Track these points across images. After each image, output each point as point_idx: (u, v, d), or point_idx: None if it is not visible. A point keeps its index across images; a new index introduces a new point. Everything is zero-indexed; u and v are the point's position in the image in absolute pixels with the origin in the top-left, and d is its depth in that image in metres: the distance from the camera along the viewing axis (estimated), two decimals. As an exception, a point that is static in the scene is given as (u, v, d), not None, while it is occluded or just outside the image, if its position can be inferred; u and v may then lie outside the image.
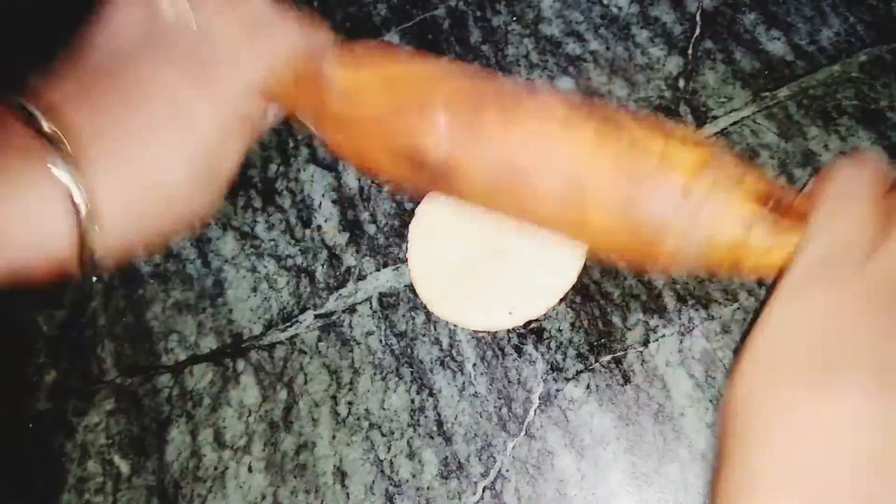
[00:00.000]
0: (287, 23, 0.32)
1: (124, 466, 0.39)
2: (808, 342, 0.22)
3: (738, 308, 0.37)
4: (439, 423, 0.37)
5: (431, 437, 0.37)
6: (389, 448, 0.37)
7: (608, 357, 0.37)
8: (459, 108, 0.28)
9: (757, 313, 0.24)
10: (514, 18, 0.46)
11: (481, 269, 0.40)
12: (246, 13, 0.31)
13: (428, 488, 0.36)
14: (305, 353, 0.39)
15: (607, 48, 0.44)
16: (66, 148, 0.27)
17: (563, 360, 0.37)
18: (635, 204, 0.27)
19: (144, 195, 0.29)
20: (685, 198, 0.25)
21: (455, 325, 0.39)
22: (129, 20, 0.30)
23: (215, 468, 0.38)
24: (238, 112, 0.30)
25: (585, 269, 0.39)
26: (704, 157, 0.26)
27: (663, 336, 0.37)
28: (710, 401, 0.35)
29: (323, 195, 0.43)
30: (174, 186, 0.29)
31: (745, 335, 0.23)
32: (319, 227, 0.43)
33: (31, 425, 0.41)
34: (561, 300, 0.38)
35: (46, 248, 0.28)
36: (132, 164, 0.28)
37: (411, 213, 0.42)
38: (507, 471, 0.36)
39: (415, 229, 0.41)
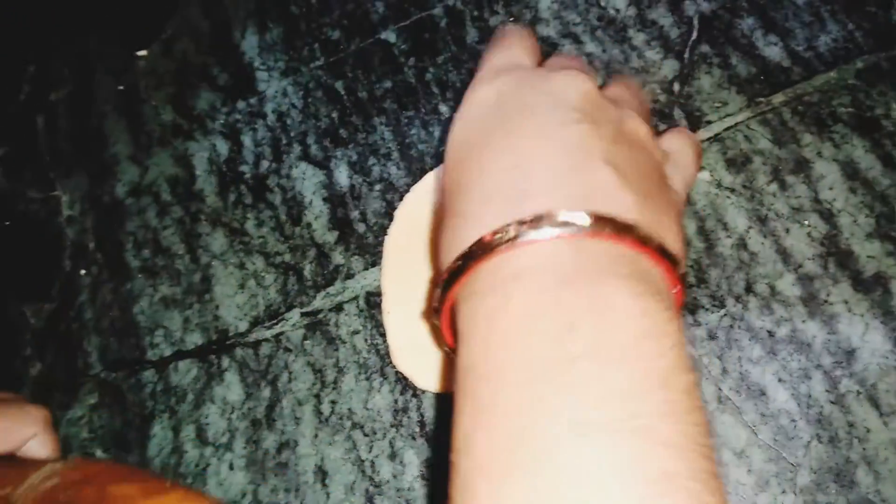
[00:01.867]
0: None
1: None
2: (493, 107, 0.27)
3: (726, 314, 0.37)
4: (422, 425, 0.37)
5: (413, 439, 0.36)
6: (371, 448, 0.37)
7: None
8: None
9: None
10: (512, 19, 0.46)
11: None
12: None
13: (409, 489, 0.35)
14: (291, 350, 0.39)
15: (603, 50, 0.44)
16: None
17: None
18: None
19: None
20: None
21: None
22: None
23: (196, 465, 0.38)
24: None
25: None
26: None
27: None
28: (696, 407, 0.35)
29: (314, 193, 0.43)
30: None
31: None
32: (309, 225, 0.43)
33: (15, 418, 0.41)
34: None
35: None
36: None
37: (401, 213, 0.42)
38: (490, 474, 0.35)
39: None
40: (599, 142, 0.25)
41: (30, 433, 0.34)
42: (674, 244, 0.25)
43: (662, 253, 0.24)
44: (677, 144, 0.33)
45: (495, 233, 0.23)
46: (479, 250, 0.23)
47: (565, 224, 0.23)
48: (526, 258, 0.23)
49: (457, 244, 0.24)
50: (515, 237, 0.23)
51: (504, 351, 0.22)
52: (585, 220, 0.23)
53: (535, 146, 0.25)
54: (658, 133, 0.32)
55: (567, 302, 0.22)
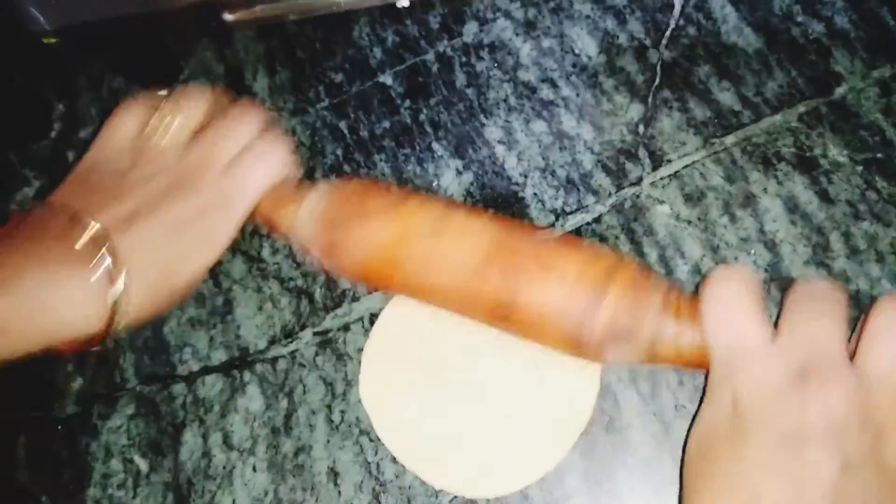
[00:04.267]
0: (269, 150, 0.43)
1: (143, 465, 0.44)
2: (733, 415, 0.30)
3: (682, 333, 0.42)
4: (420, 431, 0.42)
5: (413, 443, 0.42)
6: (377, 452, 0.42)
7: (569, 374, 0.42)
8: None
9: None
10: (496, 65, 0.51)
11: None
12: (233, 147, 0.42)
13: (409, 487, 0.41)
14: (304, 366, 0.45)
15: (577, 94, 0.49)
16: (106, 242, 0.35)
17: (530, 376, 0.42)
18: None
19: (168, 282, 0.37)
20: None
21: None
22: (123, 138, 0.38)
23: (224, 467, 0.43)
24: (236, 231, 0.41)
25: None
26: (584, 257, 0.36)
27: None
28: (654, 414, 0.40)
29: (321, 224, 0.48)
30: (191, 278, 0.38)
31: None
32: (318, 253, 0.48)
33: (59, 427, 0.46)
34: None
35: (81, 326, 0.35)
36: (164, 256, 0.36)
37: (399, 242, 0.47)
38: (479, 472, 0.41)
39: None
40: (829, 475, 0.26)
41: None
42: None
43: None
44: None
45: None
46: None
47: None
48: None
49: None
50: None
51: None
52: None
53: (768, 481, 0.27)
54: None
55: None
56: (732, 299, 0.33)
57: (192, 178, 0.40)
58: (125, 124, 0.42)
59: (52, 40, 0.53)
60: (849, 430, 0.27)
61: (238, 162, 0.41)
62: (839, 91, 0.46)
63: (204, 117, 0.43)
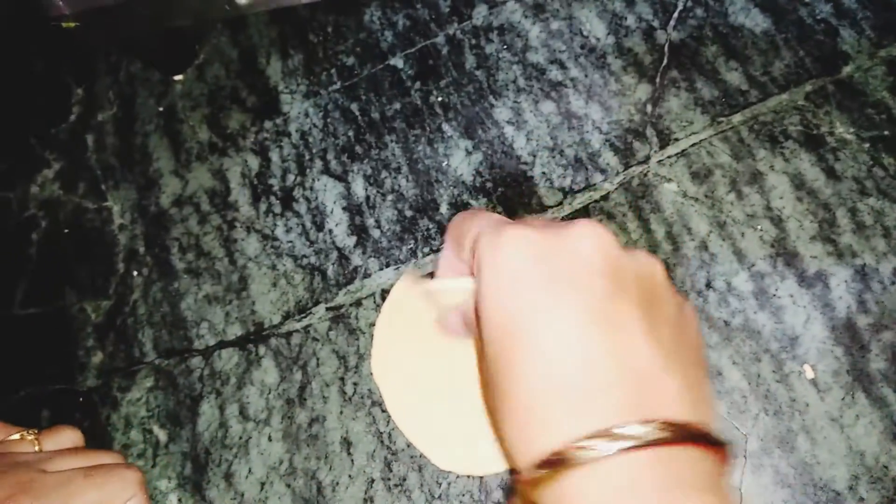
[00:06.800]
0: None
1: (162, 435, 0.45)
2: (525, 273, 0.27)
3: (689, 307, 0.43)
4: (431, 402, 0.43)
5: (424, 413, 0.43)
6: (388, 422, 0.43)
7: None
8: None
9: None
10: (505, 47, 0.52)
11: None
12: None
13: (420, 456, 0.42)
14: (318, 340, 0.46)
15: (585, 75, 0.50)
16: None
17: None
18: None
19: None
20: None
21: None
22: None
23: (240, 437, 0.44)
24: None
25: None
26: None
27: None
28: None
29: (334, 202, 0.49)
30: None
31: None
32: (331, 231, 0.49)
33: (81, 399, 0.47)
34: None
35: None
36: None
37: (412, 220, 0.48)
38: (488, 443, 0.42)
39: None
40: (639, 319, 0.26)
41: (128, 497, 0.37)
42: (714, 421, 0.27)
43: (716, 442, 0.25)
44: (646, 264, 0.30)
45: (576, 447, 0.24)
46: (560, 461, 0.24)
47: (634, 438, 0.24)
48: (609, 476, 0.24)
49: (531, 446, 0.25)
50: (595, 453, 0.23)
51: None
52: (663, 433, 0.24)
53: (583, 335, 0.25)
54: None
55: None
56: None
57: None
58: None
59: (71, 25, 0.54)
60: (625, 264, 0.28)
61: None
62: (846, 70, 0.47)
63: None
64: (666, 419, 0.24)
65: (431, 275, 0.44)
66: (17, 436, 0.39)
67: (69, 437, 0.40)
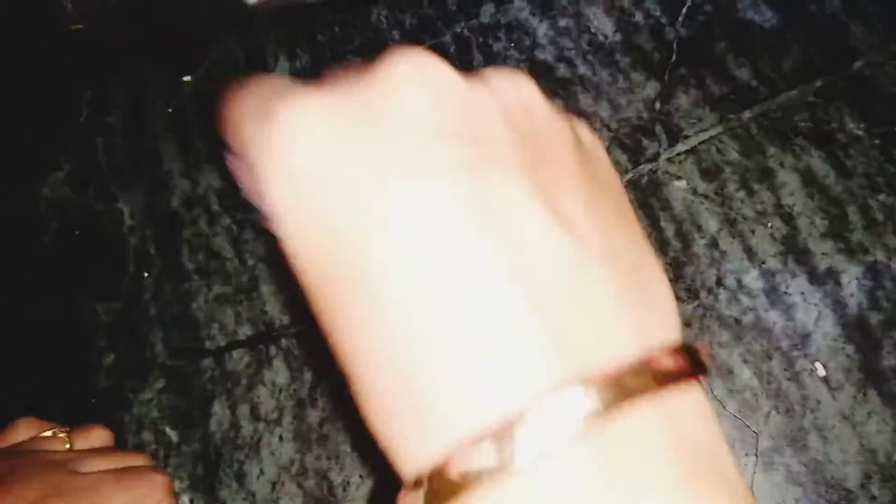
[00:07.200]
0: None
1: (174, 436, 0.46)
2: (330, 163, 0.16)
3: (699, 305, 0.43)
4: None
5: (434, 413, 0.43)
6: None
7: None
8: None
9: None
10: (512, 45, 0.52)
11: None
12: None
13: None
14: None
15: (594, 73, 0.50)
16: None
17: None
18: None
19: None
20: None
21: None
22: None
23: (251, 438, 0.44)
24: None
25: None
26: None
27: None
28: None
29: (343, 203, 0.49)
30: None
31: None
32: (340, 231, 0.49)
33: (93, 401, 0.47)
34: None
35: None
36: None
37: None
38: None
39: None
40: (530, 199, 0.16)
41: (156, 501, 0.38)
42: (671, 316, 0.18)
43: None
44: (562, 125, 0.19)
45: (468, 455, 0.14)
46: (445, 484, 0.15)
47: (564, 422, 0.14)
48: (522, 492, 0.14)
49: (406, 453, 0.16)
50: (496, 465, 0.14)
51: None
52: (593, 401, 0.14)
53: (449, 253, 0.15)
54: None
55: None
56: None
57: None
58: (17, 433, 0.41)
59: (80, 26, 0.55)
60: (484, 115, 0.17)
61: None
62: (856, 65, 0.46)
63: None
64: (606, 369, 0.15)
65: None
66: (49, 432, 0.40)
67: (100, 436, 0.41)
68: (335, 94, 0.17)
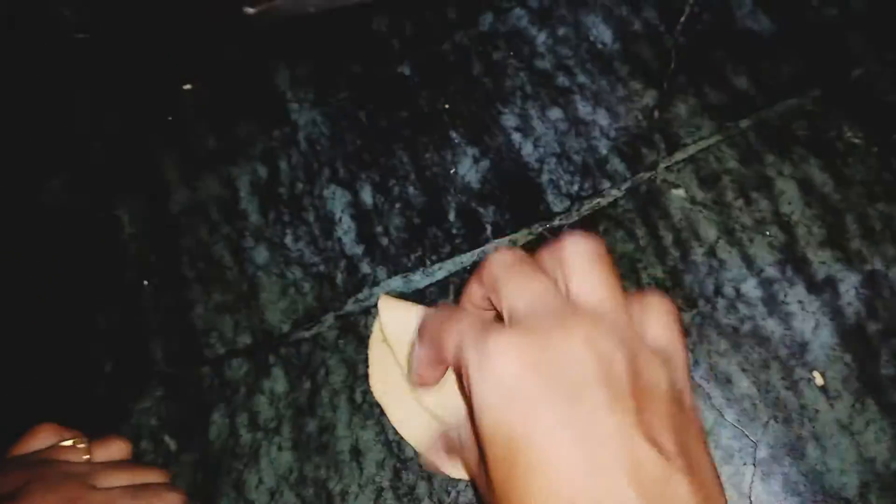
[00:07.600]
0: None
1: (173, 445, 0.46)
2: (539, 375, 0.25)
3: (697, 313, 0.43)
4: (440, 410, 0.43)
5: (433, 422, 0.43)
6: (397, 431, 0.43)
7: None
8: None
9: None
10: (512, 54, 0.52)
11: None
12: None
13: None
14: (327, 349, 0.46)
15: (593, 81, 0.50)
16: None
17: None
18: None
19: None
20: None
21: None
22: None
23: (250, 446, 0.44)
24: None
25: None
26: None
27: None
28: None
29: (342, 211, 0.49)
30: None
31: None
32: (339, 239, 0.49)
33: (92, 409, 0.47)
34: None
35: None
36: None
37: (420, 228, 0.48)
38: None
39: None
40: (640, 438, 0.24)
41: None
42: None
43: None
44: (665, 338, 0.28)
45: None
46: None
47: None
48: None
49: None
50: None
51: None
52: None
53: (584, 456, 0.24)
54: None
55: None
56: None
57: None
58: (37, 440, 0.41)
59: (81, 34, 0.55)
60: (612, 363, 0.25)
61: None
62: (854, 74, 0.46)
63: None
64: None
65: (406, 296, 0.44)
66: (69, 442, 0.40)
67: (119, 448, 0.42)
68: (528, 336, 0.25)
